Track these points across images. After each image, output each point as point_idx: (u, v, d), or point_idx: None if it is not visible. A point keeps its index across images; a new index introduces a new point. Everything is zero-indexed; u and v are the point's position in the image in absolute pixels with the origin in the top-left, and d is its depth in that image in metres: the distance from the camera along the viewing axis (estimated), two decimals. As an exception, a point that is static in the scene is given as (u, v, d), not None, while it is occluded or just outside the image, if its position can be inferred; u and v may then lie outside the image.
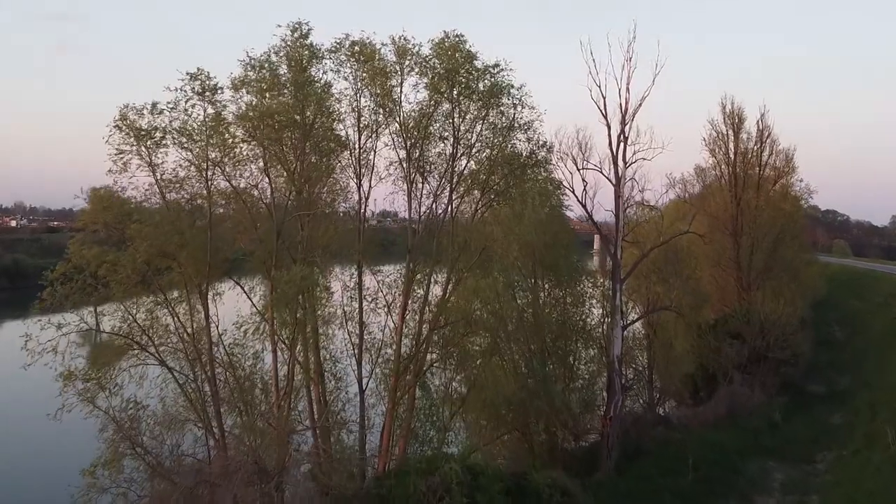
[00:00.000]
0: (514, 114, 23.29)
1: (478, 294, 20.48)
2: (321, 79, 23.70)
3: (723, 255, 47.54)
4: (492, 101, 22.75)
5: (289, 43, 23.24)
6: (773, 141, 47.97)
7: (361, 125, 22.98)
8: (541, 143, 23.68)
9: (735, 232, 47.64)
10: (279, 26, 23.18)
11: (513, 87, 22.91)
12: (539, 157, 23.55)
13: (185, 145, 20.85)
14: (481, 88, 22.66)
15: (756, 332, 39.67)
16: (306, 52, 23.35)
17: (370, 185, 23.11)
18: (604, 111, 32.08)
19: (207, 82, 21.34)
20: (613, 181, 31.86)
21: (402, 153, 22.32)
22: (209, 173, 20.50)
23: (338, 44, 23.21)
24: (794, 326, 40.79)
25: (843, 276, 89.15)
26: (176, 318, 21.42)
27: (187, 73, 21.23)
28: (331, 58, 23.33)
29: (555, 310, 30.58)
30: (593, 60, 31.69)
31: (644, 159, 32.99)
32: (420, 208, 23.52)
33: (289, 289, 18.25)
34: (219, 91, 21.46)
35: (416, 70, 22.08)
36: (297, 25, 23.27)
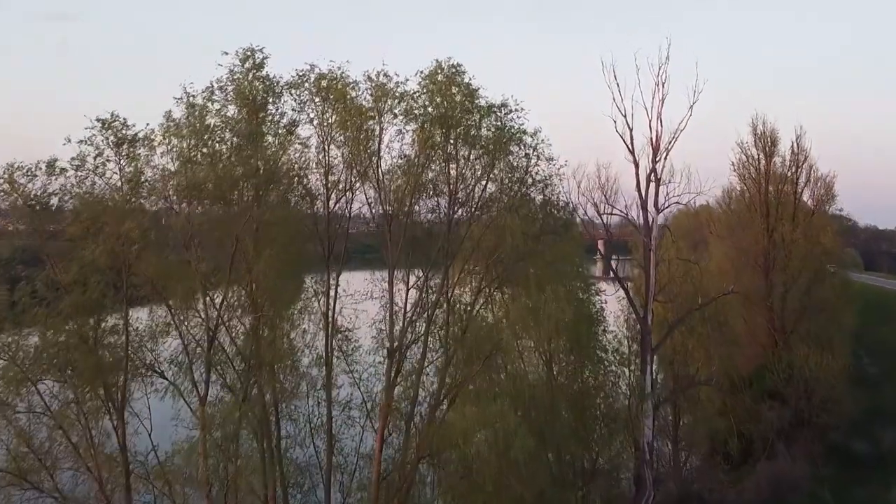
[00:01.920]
0: (528, 166, 18.10)
1: (481, 425, 15.34)
2: (280, 119, 18.62)
3: (754, 294, 42.29)
4: (499, 153, 17.54)
5: (238, 75, 18.08)
6: (810, 166, 42.75)
7: (330, 182, 17.83)
8: (561, 204, 18.47)
9: (767, 268, 42.41)
10: (226, 54, 18.02)
11: (525, 133, 17.73)
12: (560, 223, 18.34)
13: (92, 218, 15.66)
14: (484, 135, 17.46)
15: (800, 393, 34.42)
16: (260, 86, 18.19)
17: (343, 260, 17.92)
18: (630, 146, 26.93)
19: (124, 132, 16.18)
20: (643, 231, 26.78)
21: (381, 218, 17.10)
22: (125, 261, 15.26)
23: (300, 76, 18.08)
24: (844, 385, 35.55)
25: (866, 297, 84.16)
26: (87, 438, 16.24)
27: (97, 120, 16.10)
28: (291, 93, 18.21)
29: (573, 383, 25.21)
30: (617, 85, 26.52)
31: (679, 204, 28.05)
32: (408, 287, 18.35)
33: (224, 428, 13.11)
34: (141, 142, 16.30)
35: (401, 117, 16.89)
36: (248, 53, 18.07)
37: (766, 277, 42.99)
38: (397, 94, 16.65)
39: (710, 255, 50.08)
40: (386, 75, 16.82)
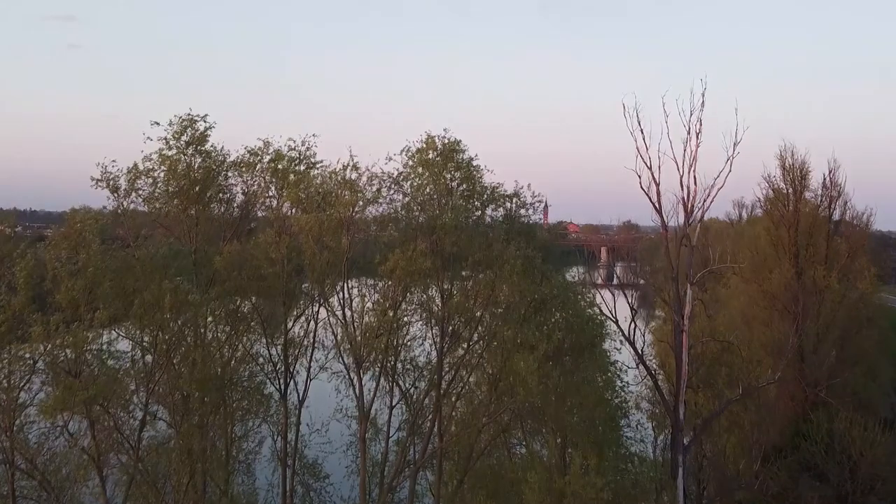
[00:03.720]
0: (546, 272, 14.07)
1: None
2: (230, 201, 14.67)
3: (783, 343, 38.24)
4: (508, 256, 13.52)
5: (174, 149, 14.12)
6: (844, 202, 38.74)
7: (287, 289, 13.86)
8: (590, 318, 14.44)
9: (797, 316, 38.33)
10: (156, 124, 14.06)
11: (540, 228, 13.74)
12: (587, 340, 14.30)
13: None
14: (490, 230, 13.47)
15: (843, 471, 30.38)
16: (200, 164, 14.22)
17: (306, 390, 13.91)
18: (658, 206, 22.90)
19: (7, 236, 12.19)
20: (673, 306, 22.74)
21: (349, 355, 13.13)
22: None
23: (251, 155, 14.13)
24: (891, 458, 31.49)
25: (887, 320, 79.72)
26: None
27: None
28: (240, 175, 14.27)
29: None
30: (641, 132, 22.50)
31: (712, 272, 24.06)
32: (391, 406, 14.38)
33: None
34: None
35: (378, 222, 12.91)
36: (187, 122, 14.10)
37: (796, 326, 38.95)
38: (369, 197, 12.63)
39: (727, 291, 46.16)
40: (356, 167, 12.83)
